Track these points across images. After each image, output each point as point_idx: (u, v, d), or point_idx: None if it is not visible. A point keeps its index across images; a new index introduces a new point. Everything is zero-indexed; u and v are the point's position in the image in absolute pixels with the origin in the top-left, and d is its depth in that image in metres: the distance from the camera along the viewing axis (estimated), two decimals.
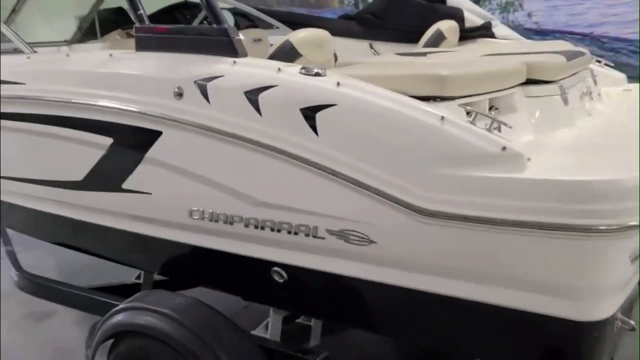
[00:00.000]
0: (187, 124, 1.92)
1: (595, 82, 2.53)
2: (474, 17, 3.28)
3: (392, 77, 1.78)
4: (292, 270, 1.96)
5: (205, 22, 4.22)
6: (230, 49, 1.91)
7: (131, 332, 2.10)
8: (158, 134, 2.01)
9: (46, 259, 4.01)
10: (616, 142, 1.93)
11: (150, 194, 2.15)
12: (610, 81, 2.97)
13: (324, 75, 1.74)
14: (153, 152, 2.05)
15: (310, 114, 1.69)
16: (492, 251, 1.54)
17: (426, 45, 3.03)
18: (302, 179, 1.74)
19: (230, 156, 1.87)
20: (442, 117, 1.55)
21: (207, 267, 2.25)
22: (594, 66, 2.96)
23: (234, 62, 1.88)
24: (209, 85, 1.87)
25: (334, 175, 1.68)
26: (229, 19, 4.12)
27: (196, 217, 2.05)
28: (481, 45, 3.03)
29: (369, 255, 1.73)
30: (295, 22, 3.89)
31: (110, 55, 2.21)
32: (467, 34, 3.26)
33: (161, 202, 2.14)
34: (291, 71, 1.78)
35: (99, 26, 4.09)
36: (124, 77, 2.09)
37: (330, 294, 1.97)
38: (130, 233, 2.32)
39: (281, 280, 2.01)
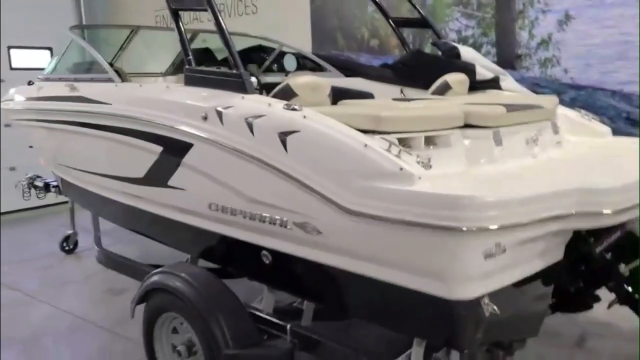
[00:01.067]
0: (208, 140, 2.67)
1: (556, 131, 2.99)
2: (485, 71, 3.81)
3: (350, 115, 2.41)
4: (274, 253, 2.63)
5: (275, 64, 5.06)
6: (242, 88, 2.65)
7: (159, 289, 2.85)
8: (190, 145, 2.78)
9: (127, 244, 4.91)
10: (529, 177, 2.42)
11: (185, 189, 2.92)
12: (591, 132, 3.40)
13: (299, 110, 2.41)
14: (187, 158, 2.82)
15: (283, 137, 2.37)
16: (393, 243, 2.12)
17: (434, 92, 3.62)
18: (277, 183, 2.41)
19: (235, 164, 2.58)
20: (365, 145, 2.18)
21: (220, 250, 2.97)
22: (577, 118, 3.42)
23: (242, 97, 2.61)
24: (224, 112, 2.61)
25: (296, 181, 2.34)
26: (293, 63, 4.93)
27: (213, 209, 2.78)
28: (479, 96, 3.56)
29: (319, 243, 2.36)
30: (344, 67, 4.61)
31: (167, 87, 3.04)
32: (478, 85, 3.80)
33: (191, 197, 2.90)
34: (277, 106, 2.47)
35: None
36: (172, 104, 2.89)
37: (298, 274, 2.61)
38: (171, 220, 3.10)
39: (268, 262, 2.68)
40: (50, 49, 7.91)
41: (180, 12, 3.01)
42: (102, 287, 4.71)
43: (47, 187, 5.38)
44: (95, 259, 4.36)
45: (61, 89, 3.79)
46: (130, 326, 3.36)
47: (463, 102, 2.93)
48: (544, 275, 2.32)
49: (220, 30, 2.75)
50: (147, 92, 3.18)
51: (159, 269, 2.91)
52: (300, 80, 2.75)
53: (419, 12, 4.19)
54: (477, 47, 5.41)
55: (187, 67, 2.95)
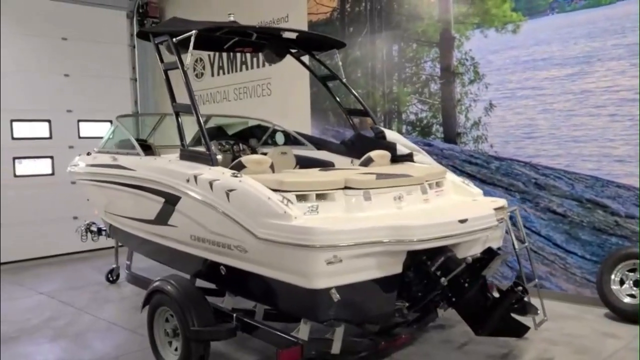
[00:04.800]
0: (189, 194, 4.26)
1: (424, 192, 4.41)
2: (403, 148, 5.28)
3: (269, 180, 3.92)
4: (227, 267, 4.15)
5: (270, 139, 6.69)
6: (209, 161, 4.23)
7: (158, 291, 4.39)
8: (179, 197, 4.38)
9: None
10: (376, 220, 3.85)
11: (177, 227, 4.51)
12: (468, 193, 4.81)
13: (239, 177, 3.96)
14: (178, 206, 4.42)
15: (228, 193, 3.93)
16: (281, 256, 3.60)
17: (361, 164, 5.13)
18: (224, 222, 3.94)
19: (203, 209, 4.14)
20: (269, 197, 3.70)
21: (200, 267, 4.51)
22: (460, 183, 4.85)
23: (210, 168, 4.19)
24: (198, 177, 4.21)
25: (234, 220, 3.87)
26: (281, 138, 6.55)
27: (193, 239, 4.34)
28: (393, 166, 5.05)
29: (247, 258, 3.87)
30: (315, 142, 6.19)
31: (170, 160, 4.69)
32: (398, 158, 5.27)
33: (181, 231, 4.48)
34: (227, 174, 4.02)
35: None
36: (171, 171, 4.53)
37: (239, 280, 4.12)
38: (171, 248, 4.69)
39: (224, 273, 4.19)
40: (110, 121, 9.83)
41: (178, 111, 4.61)
42: (132, 304, 6.30)
43: (99, 231, 7.12)
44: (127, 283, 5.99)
45: (107, 159, 5.55)
46: (145, 329, 4.83)
47: (362, 172, 4.39)
48: (384, 282, 3.72)
49: (195, 114, 4.32)
50: (158, 163, 4.85)
51: (158, 279, 4.46)
52: (248, 158, 4.32)
53: (362, 104, 5.72)
54: (429, 126, 6.91)
55: (181, 147, 4.58)
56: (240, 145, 6.53)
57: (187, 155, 4.50)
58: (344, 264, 3.48)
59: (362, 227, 3.56)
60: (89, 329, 5.58)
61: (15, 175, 8.99)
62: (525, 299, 3.99)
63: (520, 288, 3.80)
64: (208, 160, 4.26)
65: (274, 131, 6.67)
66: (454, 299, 3.92)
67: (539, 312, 4.10)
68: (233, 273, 4.10)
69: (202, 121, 4.37)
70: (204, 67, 9.88)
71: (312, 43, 5.70)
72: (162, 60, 4.84)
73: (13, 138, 9.01)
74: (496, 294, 3.94)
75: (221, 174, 4.08)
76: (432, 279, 3.91)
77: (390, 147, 5.29)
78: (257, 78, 8.95)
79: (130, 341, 5.16)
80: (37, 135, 9.30)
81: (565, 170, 5.85)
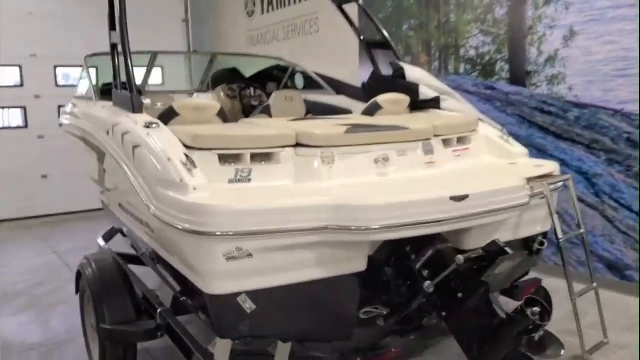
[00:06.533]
0: (109, 150, 3.25)
1: (428, 152, 3.07)
2: (428, 91, 3.90)
3: (186, 132, 2.79)
4: (150, 250, 3.13)
5: (290, 82, 5.53)
6: (132, 107, 3.16)
7: (80, 273, 3.48)
8: (105, 154, 3.38)
9: None
10: (324, 192, 2.61)
11: (110, 191, 3.54)
12: (506, 153, 3.40)
13: (153, 128, 2.86)
14: (105, 164, 3.43)
15: (133, 149, 2.87)
16: (175, 242, 2.51)
17: (364, 113, 3.83)
18: (131, 188, 2.90)
19: (118, 172, 3.11)
20: (169, 158, 2.58)
21: (134, 247, 3.53)
22: (496, 138, 3.44)
23: (128, 116, 3.13)
24: (114, 128, 3.18)
25: (134, 187, 2.81)
26: (300, 80, 5.38)
27: (121, 210, 3.35)
28: (409, 115, 3.72)
29: (156, 241, 2.82)
30: (335, 86, 4.94)
31: (103, 106, 3.68)
32: (419, 105, 3.92)
33: (112, 197, 3.50)
34: (140, 125, 2.94)
35: (213, 81, 5.67)
36: (97, 120, 3.53)
37: (163, 268, 3.08)
38: (113, 213, 3.75)
39: (151, 256, 3.18)
40: (162, 67, 9.09)
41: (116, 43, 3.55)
42: None
43: None
44: None
45: (71, 106, 4.66)
46: None
47: (336, 123, 3.12)
48: (335, 284, 2.52)
49: (124, 53, 3.24)
50: (94, 110, 3.87)
51: (86, 256, 3.54)
52: (182, 103, 3.20)
53: (383, 35, 4.37)
54: (491, 63, 5.37)
55: (113, 89, 3.55)
56: (253, 90, 5.43)
57: (117, 99, 3.47)
58: (256, 260, 2.33)
59: (286, 207, 2.36)
60: (65, 301, 4.85)
61: None
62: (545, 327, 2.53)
63: (535, 310, 2.39)
64: (130, 105, 3.20)
65: (294, 72, 5.49)
66: (443, 313, 2.64)
67: (562, 352, 2.63)
68: (158, 259, 3.08)
69: (128, 50, 3.28)
70: (254, 4, 8.79)
71: None
72: None
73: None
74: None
75: (133, 124, 3.01)
76: (417, 280, 2.65)
77: (412, 89, 3.93)
78: (304, 13, 7.72)
79: None
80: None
81: None
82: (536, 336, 2.43)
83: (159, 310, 3.14)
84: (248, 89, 5.41)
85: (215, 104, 3.30)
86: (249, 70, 5.78)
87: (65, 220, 8.16)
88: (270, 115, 4.47)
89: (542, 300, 2.35)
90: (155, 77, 8.95)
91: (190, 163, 2.53)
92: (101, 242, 4.50)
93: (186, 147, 2.69)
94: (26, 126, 8.43)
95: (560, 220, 3.16)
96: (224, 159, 2.66)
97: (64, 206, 8.37)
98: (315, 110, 4.76)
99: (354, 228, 2.34)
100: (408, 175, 2.93)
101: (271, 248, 2.33)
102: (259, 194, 2.55)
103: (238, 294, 2.36)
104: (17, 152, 8.14)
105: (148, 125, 2.89)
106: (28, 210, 8.26)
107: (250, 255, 2.31)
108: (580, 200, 4.49)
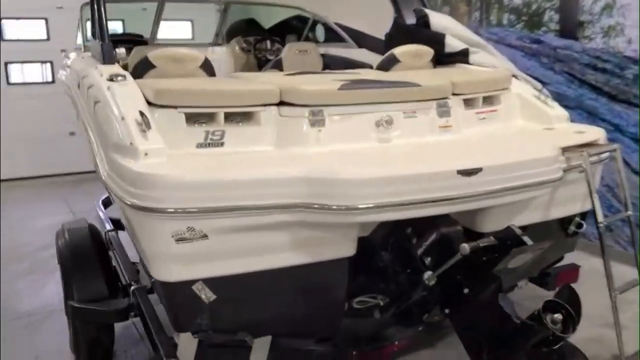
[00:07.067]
0: (79, 105, 2.88)
1: (443, 114, 2.56)
2: (456, 42, 3.34)
3: (149, 85, 2.35)
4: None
5: (310, 33, 5.03)
6: (102, 58, 2.76)
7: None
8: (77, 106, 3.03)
9: None
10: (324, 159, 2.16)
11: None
12: (544, 117, 2.86)
13: (118, 81, 2.44)
14: (80, 120, 3.06)
15: (94, 105, 2.49)
16: (124, 217, 2.12)
17: (379, 67, 3.32)
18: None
19: (84, 129, 2.75)
20: (123, 117, 2.17)
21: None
22: (532, 99, 2.90)
23: (96, 67, 2.73)
24: (82, 81, 2.80)
25: (92, 148, 2.43)
26: (321, 32, 4.87)
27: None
28: (431, 71, 3.19)
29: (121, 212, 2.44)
30: (356, 38, 4.42)
31: (82, 57, 3.29)
32: (444, 59, 3.37)
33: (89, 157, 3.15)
34: (104, 77, 2.51)
35: (229, 34, 5.22)
36: (73, 72, 3.15)
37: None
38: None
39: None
40: (191, 21, 8.64)
41: None
42: None
43: None
44: None
45: (67, 60, 4.29)
46: None
47: (333, 79, 2.64)
48: (316, 272, 2.10)
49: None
50: (74, 62, 3.49)
51: (64, 224, 3.21)
52: (157, 52, 2.77)
53: None
54: (539, 13, 4.72)
55: (91, 39, 3.15)
56: (269, 43, 4.96)
57: (93, 49, 3.06)
58: (213, 243, 1.92)
59: (248, 179, 1.93)
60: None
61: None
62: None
63: (556, 317, 1.88)
64: (100, 55, 2.79)
65: (315, 23, 4.97)
66: (446, 310, 2.19)
67: None
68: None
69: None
70: None
71: None
72: None
73: None
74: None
75: (99, 77, 2.60)
76: (418, 268, 2.20)
77: (437, 39, 3.38)
78: None
79: None
80: None
81: None
82: (552, 347, 1.93)
83: (132, 288, 2.79)
84: (264, 42, 4.94)
85: (198, 55, 2.85)
86: (269, 21, 5.30)
87: (89, 178, 7.91)
88: (281, 71, 4.01)
89: (567, 305, 1.85)
90: (184, 31, 8.62)
91: (145, 123, 2.11)
92: (100, 206, 4.19)
93: (150, 104, 2.27)
94: (53, 81, 8.21)
95: (611, 196, 2.62)
96: (192, 118, 2.24)
97: (90, 164, 8.17)
98: (334, 65, 4.27)
99: (334, 207, 1.89)
100: (415, 141, 2.45)
101: (231, 228, 1.92)
102: (229, 162, 2.12)
103: (193, 282, 1.97)
104: (45, 108, 7.94)
105: (112, 78, 2.48)
106: (54, 167, 8.09)
107: (205, 236, 1.90)
108: (636, 173, 3.88)
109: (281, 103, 2.34)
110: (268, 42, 4.93)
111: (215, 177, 1.91)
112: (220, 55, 5.02)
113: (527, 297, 3.45)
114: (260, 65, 4.85)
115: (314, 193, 1.90)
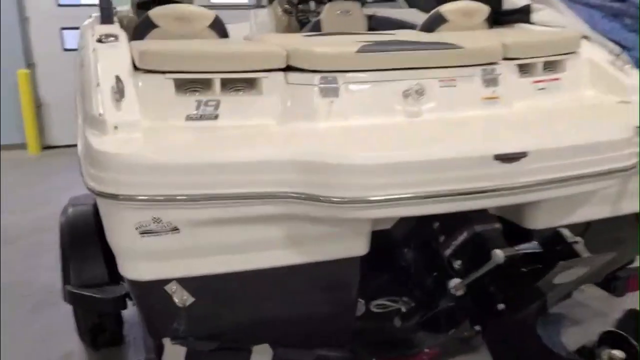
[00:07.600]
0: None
1: (490, 83, 2.09)
2: None
3: (138, 47, 2.03)
4: None
5: None
6: (102, 19, 2.45)
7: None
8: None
9: None
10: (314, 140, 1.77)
11: None
12: (614, 86, 2.35)
13: (103, 42, 2.13)
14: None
15: (80, 68, 2.21)
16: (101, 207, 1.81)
17: (422, 28, 2.85)
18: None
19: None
20: (98, 83, 1.85)
21: None
22: (606, 65, 2.40)
23: (93, 27, 2.42)
24: (79, 43, 2.51)
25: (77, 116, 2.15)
26: None
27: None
28: (481, 33, 2.70)
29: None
30: None
31: (90, 16, 2.99)
32: (502, 17, 2.88)
33: None
34: (96, 38, 2.21)
35: None
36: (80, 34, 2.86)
37: None
38: None
39: None
40: None
41: None
42: None
43: None
44: None
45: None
46: None
47: (414, 39, 2.25)
48: (320, 273, 1.74)
49: None
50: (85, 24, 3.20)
51: (71, 198, 2.98)
52: (160, 10, 2.43)
53: None
54: None
55: None
56: (314, 4, 4.54)
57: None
58: (184, 237, 1.59)
59: (224, 162, 1.57)
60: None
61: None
62: None
63: (617, 355, 1.42)
64: (100, 15, 2.48)
65: None
66: (476, 326, 1.78)
67: None
68: None
69: None
70: None
71: None
72: None
73: None
74: None
75: (90, 38, 2.30)
76: (446, 271, 1.81)
77: None
78: None
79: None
80: None
81: None
82: None
83: None
84: (308, 3, 4.52)
85: (206, 12, 2.49)
86: None
87: None
88: None
89: (631, 338, 1.40)
90: None
91: (119, 90, 1.78)
92: None
93: (137, 69, 1.94)
94: None
95: None
96: (183, 86, 1.90)
97: None
98: (381, 27, 3.82)
99: (335, 199, 1.51)
100: (451, 116, 2.01)
101: (207, 221, 1.58)
102: (216, 139, 1.77)
103: (165, 282, 1.65)
104: None
105: (101, 39, 2.16)
106: None
107: (175, 229, 1.58)
108: None
109: (288, 68, 1.96)
110: (312, 3, 4.52)
111: (186, 159, 1.56)
112: (263, 18, 4.67)
113: (592, 296, 3.02)
114: (302, 28, 4.46)
115: (309, 181, 1.52)
